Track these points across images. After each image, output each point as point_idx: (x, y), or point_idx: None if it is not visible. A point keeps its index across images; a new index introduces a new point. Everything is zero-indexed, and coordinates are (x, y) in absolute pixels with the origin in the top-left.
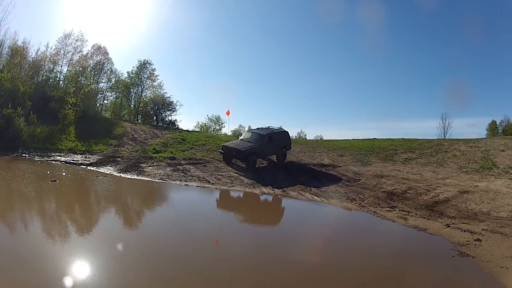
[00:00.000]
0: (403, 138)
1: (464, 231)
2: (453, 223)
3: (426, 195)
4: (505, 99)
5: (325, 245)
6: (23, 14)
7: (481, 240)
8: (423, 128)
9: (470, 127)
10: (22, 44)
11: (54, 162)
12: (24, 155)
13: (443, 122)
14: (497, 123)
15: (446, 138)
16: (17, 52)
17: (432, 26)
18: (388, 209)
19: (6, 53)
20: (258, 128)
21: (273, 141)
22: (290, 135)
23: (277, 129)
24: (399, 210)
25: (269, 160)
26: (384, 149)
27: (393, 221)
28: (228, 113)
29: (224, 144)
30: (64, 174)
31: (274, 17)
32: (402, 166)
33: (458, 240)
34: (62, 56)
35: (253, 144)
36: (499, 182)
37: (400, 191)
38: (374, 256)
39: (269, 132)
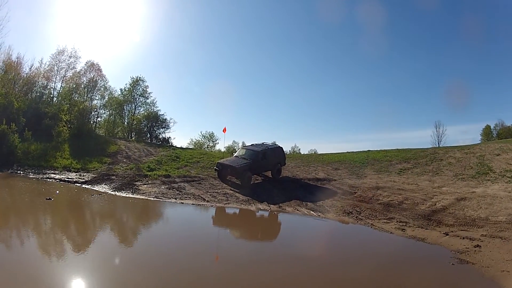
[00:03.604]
0: (397, 149)
1: (463, 238)
2: (452, 231)
3: (423, 204)
4: (498, 103)
5: (324, 258)
6: (16, 29)
7: (480, 246)
8: (418, 137)
9: (464, 133)
10: (16, 59)
11: (49, 180)
12: (19, 172)
13: (437, 131)
14: (491, 127)
15: (440, 146)
16: (11, 68)
17: (422, 34)
18: (385, 220)
19: (0, 68)
20: (252, 144)
21: (268, 157)
22: (284, 150)
23: (271, 145)
24: (397, 221)
25: (264, 176)
26: (379, 161)
27: (391, 232)
28: (224, 130)
29: (219, 161)
30: (58, 192)
31: (264, 31)
32: (398, 176)
33: (458, 248)
34: (56, 72)
35: (247, 161)
36: (496, 187)
37: (396, 202)
38: (373, 268)
39: (263, 148)
